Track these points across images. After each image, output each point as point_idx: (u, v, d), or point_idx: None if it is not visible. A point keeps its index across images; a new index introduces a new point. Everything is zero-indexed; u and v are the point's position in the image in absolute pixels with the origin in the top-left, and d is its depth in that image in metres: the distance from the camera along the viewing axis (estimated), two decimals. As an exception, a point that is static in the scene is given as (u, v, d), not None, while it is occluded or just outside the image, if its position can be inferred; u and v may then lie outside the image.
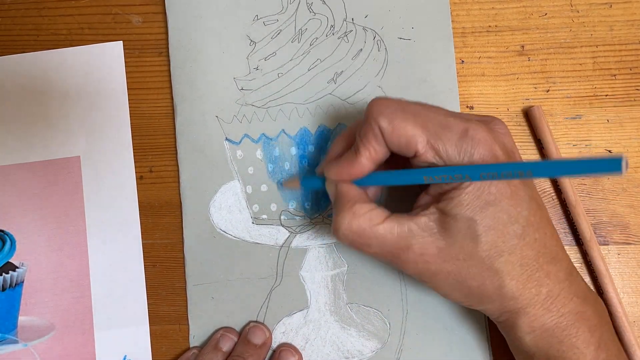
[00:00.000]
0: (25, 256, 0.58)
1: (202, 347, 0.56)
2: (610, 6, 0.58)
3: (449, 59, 0.58)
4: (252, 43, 0.58)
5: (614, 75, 0.57)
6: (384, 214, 0.47)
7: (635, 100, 0.57)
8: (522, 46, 0.58)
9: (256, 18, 0.59)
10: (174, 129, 0.58)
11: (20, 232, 0.58)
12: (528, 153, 0.57)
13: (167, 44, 0.59)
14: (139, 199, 0.58)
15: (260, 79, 0.58)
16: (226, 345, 0.55)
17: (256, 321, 0.57)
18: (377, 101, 0.46)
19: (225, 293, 0.57)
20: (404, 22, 0.58)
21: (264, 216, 0.57)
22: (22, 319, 0.57)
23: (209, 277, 0.57)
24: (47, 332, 0.57)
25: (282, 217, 0.57)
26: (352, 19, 0.58)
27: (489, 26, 0.58)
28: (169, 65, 0.59)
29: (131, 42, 0.60)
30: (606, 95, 0.57)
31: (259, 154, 0.58)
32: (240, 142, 0.58)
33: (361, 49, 0.58)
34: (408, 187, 0.52)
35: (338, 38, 0.58)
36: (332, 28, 0.58)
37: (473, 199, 0.44)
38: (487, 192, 0.43)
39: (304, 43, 0.58)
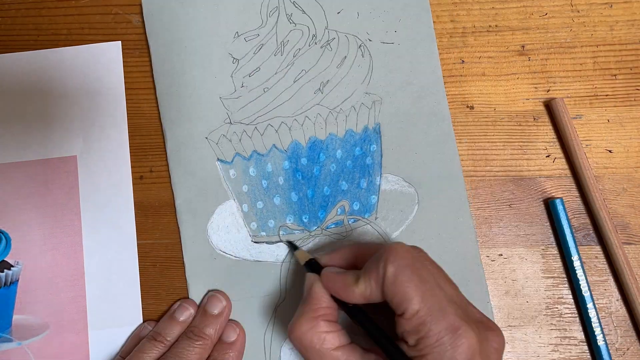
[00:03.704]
0: (20, 255, 0.57)
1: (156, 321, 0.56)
2: (611, 6, 0.58)
3: (434, 60, 0.58)
4: (235, 60, 0.58)
5: (615, 75, 0.57)
6: (339, 341, 0.47)
7: (635, 100, 0.57)
8: (523, 46, 0.58)
9: (237, 35, 0.59)
10: (165, 148, 0.58)
11: (15, 230, 0.57)
12: (526, 153, 0.57)
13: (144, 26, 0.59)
14: (140, 199, 0.58)
15: (247, 96, 0.58)
16: (183, 316, 0.55)
17: (214, 290, 0.56)
18: (395, 248, 0.46)
19: (231, 314, 0.56)
20: (387, 26, 0.58)
21: (263, 233, 0.57)
22: (16, 317, 0.56)
23: None
24: (41, 331, 0.56)
25: (280, 233, 0.57)
26: (334, 27, 0.58)
27: (489, 26, 0.58)
28: (148, 45, 0.59)
29: (131, 41, 0.60)
30: (606, 95, 0.57)
31: (252, 171, 0.57)
32: (232, 161, 0.57)
33: (345, 56, 0.58)
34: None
35: (321, 47, 0.58)
36: (314, 37, 0.58)
37: None
38: None
39: (287, 55, 0.58)
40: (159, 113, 0.59)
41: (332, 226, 0.57)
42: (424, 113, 0.57)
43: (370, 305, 0.48)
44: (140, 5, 0.60)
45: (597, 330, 0.54)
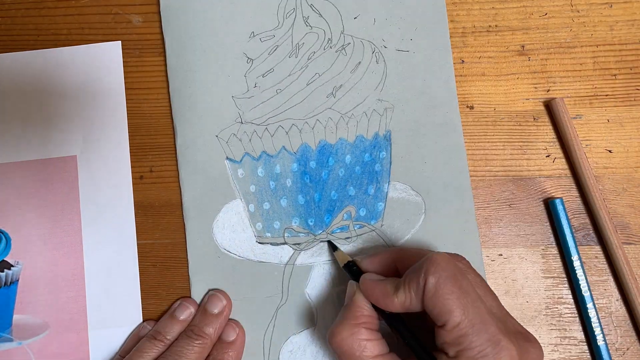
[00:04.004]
0: (20, 254, 0.57)
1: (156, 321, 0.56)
2: (611, 6, 0.58)
3: (448, 70, 0.58)
4: (249, 60, 0.58)
5: (614, 75, 0.57)
6: (379, 349, 0.47)
7: (635, 100, 0.57)
8: (522, 46, 0.58)
9: (252, 35, 0.59)
10: (175, 145, 0.58)
11: (15, 230, 0.57)
12: (526, 153, 0.57)
13: (160, 22, 0.59)
14: (140, 199, 0.58)
15: (259, 96, 0.58)
16: (183, 315, 0.55)
17: (215, 289, 0.56)
18: (437, 259, 0.45)
19: (231, 313, 0.56)
20: (403, 33, 0.58)
21: (268, 234, 0.57)
22: (16, 317, 0.56)
23: None
24: (41, 330, 0.56)
25: (285, 235, 0.57)
26: (350, 32, 0.58)
27: (489, 26, 0.58)
28: (163, 41, 0.59)
29: (131, 41, 0.60)
30: (606, 95, 0.57)
31: (260, 171, 0.57)
32: (241, 160, 0.57)
33: (360, 62, 0.58)
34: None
35: (336, 51, 0.58)
36: (329, 41, 0.58)
37: None
38: None
39: (301, 58, 0.58)
40: (160, 112, 0.59)
41: (338, 231, 0.57)
42: (435, 123, 0.57)
43: (409, 313, 0.48)
44: (158, 2, 0.60)
45: (597, 330, 0.54)
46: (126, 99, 0.59)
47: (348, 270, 0.52)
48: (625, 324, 0.55)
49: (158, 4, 0.60)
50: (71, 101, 0.58)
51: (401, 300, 0.46)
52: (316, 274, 0.57)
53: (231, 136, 0.58)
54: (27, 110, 0.59)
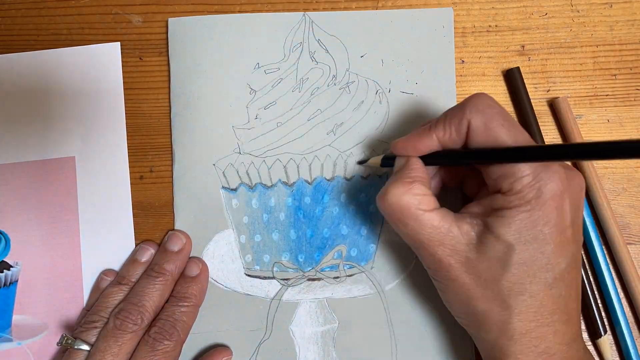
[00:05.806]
0: (19, 255, 0.57)
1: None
2: (611, 6, 0.58)
3: None
4: (252, 92, 0.58)
5: (615, 75, 0.57)
6: (434, 204, 0.47)
7: (635, 100, 0.57)
8: (523, 46, 0.58)
9: (257, 66, 0.58)
10: (172, 169, 0.58)
11: (14, 231, 0.57)
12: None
13: (167, 46, 0.59)
14: (140, 199, 0.58)
15: (259, 128, 0.57)
16: (144, 257, 0.55)
17: (174, 229, 0.57)
18: (481, 97, 0.46)
19: (214, 344, 0.56)
20: (408, 76, 0.57)
21: (257, 267, 0.57)
22: (16, 317, 0.56)
23: (198, 327, 0.56)
24: (40, 331, 0.56)
25: (274, 269, 0.57)
26: (355, 70, 0.58)
27: (489, 26, 0.58)
28: (169, 66, 0.59)
29: (131, 42, 0.59)
30: (606, 95, 0.57)
31: (254, 203, 0.57)
32: (236, 190, 0.57)
33: (363, 101, 0.57)
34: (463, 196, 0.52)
35: (340, 89, 0.57)
36: (334, 78, 0.58)
37: (522, 228, 0.43)
38: (538, 228, 0.43)
39: (304, 92, 0.58)
40: (160, 112, 0.59)
41: (327, 269, 0.57)
42: None
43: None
44: (166, 25, 0.59)
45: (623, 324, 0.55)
46: (126, 99, 0.59)
47: (387, 164, 0.52)
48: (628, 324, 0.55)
49: (159, 4, 0.59)
50: (69, 102, 0.58)
51: (440, 135, 0.46)
52: (302, 311, 0.56)
53: (228, 166, 0.57)
54: (26, 111, 0.58)
